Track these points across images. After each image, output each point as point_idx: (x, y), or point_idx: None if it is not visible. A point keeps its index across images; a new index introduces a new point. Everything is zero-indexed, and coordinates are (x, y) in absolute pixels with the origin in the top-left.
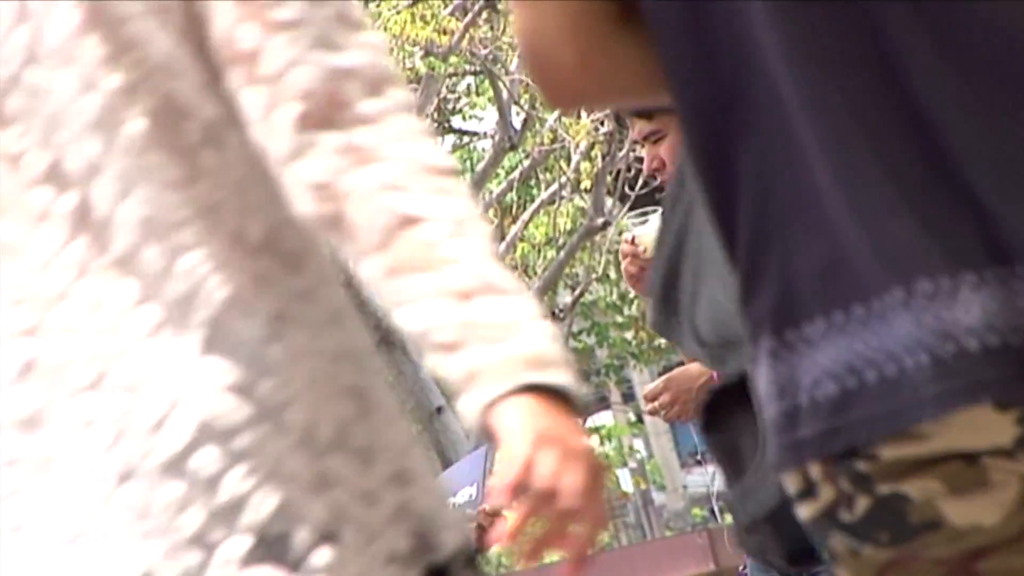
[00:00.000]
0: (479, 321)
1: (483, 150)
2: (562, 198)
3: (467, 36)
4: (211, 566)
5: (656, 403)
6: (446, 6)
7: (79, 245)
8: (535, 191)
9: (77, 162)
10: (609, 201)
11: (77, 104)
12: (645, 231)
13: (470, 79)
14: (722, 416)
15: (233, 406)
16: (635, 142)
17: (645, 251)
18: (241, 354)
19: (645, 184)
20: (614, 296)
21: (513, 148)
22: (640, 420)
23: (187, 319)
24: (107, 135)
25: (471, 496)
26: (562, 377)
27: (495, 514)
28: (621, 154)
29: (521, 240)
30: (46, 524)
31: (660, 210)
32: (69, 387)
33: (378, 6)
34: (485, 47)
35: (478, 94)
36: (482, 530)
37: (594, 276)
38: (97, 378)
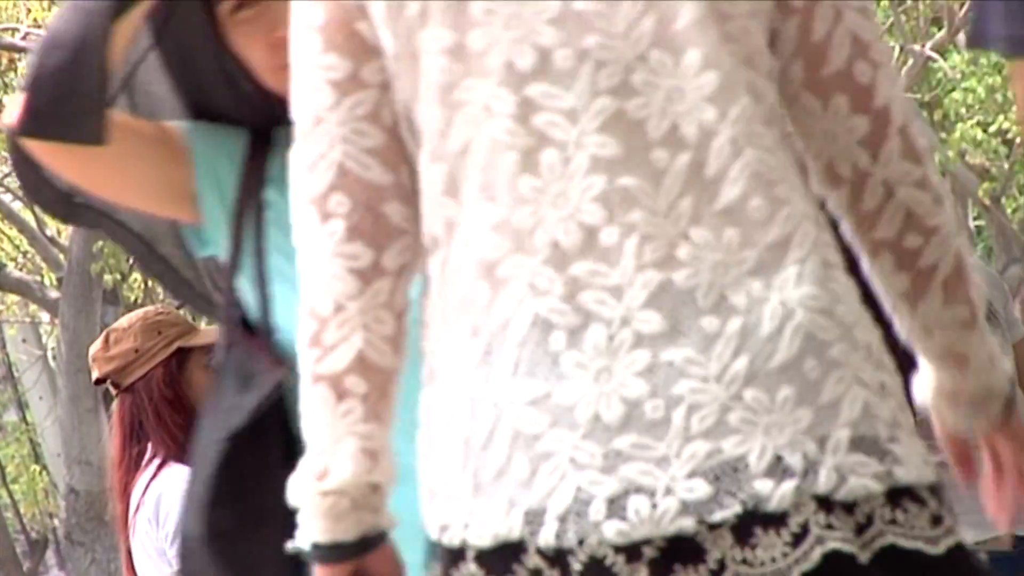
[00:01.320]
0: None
1: None
2: None
3: None
4: (825, 453)
5: None
6: None
7: (692, 196)
8: None
9: (692, 128)
10: None
11: (697, 80)
12: None
13: None
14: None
15: (826, 324)
16: None
17: None
18: (822, 285)
19: None
20: None
21: None
22: None
23: (783, 259)
24: (721, 107)
25: None
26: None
27: None
28: None
29: None
30: (691, 420)
31: None
32: (695, 308)
33: None
34: None
35: None
36: None
37: None
38: (718, 300)
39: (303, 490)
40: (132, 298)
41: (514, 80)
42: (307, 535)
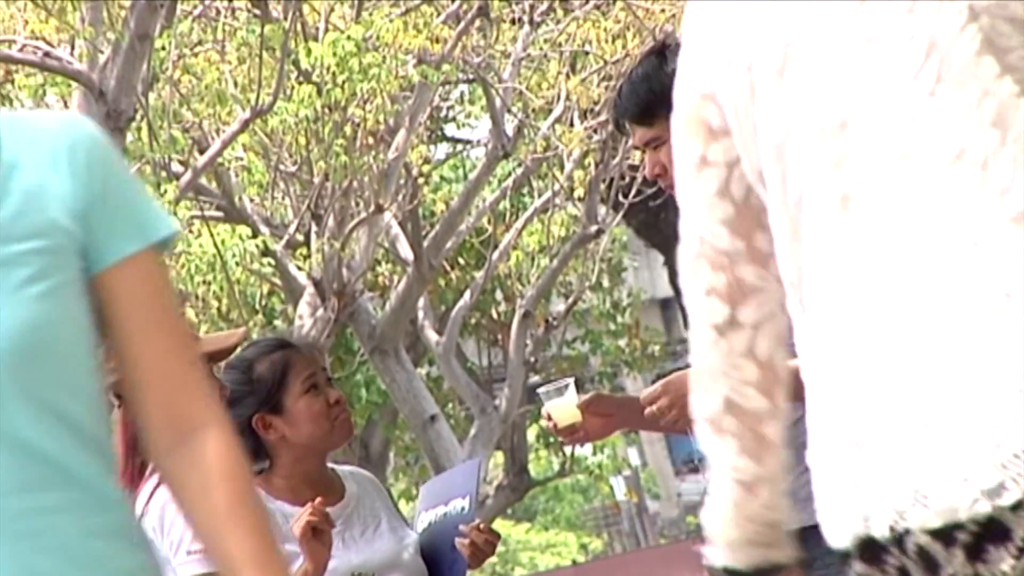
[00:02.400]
0: None
1: (476, 158)
2: (555, 206)
3: (460, 44)
4: None
5: (655, 407)
6: (439, 14)
7: (984, 205)
8: (528, 199)
9: (979, 149)
10: (603, 209)
11: (979, 108)
12: (556, 404)
13: (463, 87)
14: None
15: None
16: (634, 147)
17: (556, 425)
18: None
19: (639, 192)
20: (607, 304)
21: (506, 156)
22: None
23: None
24: (1002, 130)
25: (463, 508)
26: None
27: (489, 531)
28: (615, 162)
29: (515, 248)
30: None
31: (573, 380)
32: (984, 310)
33: (371, 15)
34: (478, 55)
35: (471, 102)
36: (475, 546)
37: (587, 284)
38: (1004, 301)
39: (710, 518)
40: None
41: (827, 135)
42: (713, 557)
